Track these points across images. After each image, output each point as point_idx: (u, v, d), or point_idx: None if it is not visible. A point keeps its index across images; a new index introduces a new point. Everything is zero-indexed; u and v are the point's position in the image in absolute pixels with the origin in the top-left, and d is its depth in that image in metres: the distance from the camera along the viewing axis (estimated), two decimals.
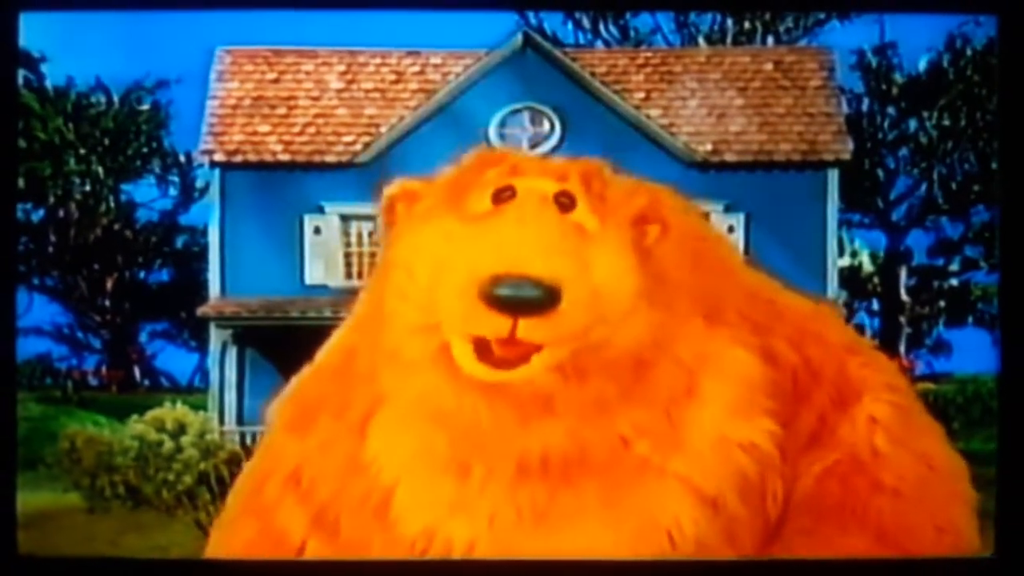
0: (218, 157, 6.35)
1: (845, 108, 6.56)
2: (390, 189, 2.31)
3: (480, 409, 2.10)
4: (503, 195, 2.14)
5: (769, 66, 6.53)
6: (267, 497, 2.37)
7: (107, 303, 6.80)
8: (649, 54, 6.65)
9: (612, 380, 2.11)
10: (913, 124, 6.78)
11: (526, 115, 6.25)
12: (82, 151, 6.53)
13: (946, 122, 6.65)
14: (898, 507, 2.21)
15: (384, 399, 2.25)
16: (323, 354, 2.47)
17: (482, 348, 2.06)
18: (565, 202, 2.14)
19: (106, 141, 6.57)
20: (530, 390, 2.08)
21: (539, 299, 1.99)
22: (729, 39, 6.80)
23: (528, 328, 2.01)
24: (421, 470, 2.20)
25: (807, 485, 2.25)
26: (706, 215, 6.27)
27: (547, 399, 2.10)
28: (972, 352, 6.34)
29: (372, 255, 6.08)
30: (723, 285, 2.32)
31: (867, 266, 7.07)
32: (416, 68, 6.52)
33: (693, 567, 2.12)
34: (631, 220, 2.17)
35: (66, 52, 5.49)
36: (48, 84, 6.21)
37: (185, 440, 5.71)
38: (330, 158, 6.37)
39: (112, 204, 6.72)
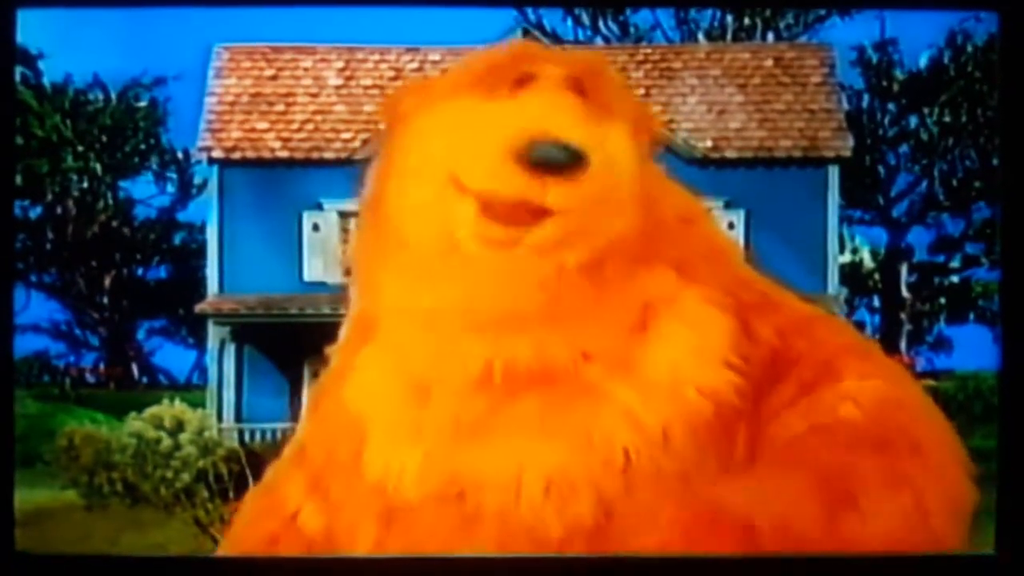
0: (216, 154, 6.34)
1: (845, 104, 6.55)
2: (398, 92, 2.43)
3: (457, 305, 2.16)
4: (523, 80, 2.24)
5: (769, 62, 6.52)
6: (277, 473, 2.47)
7: (105, 300, 6.78)
8: (648, 50, 6.63)
9: (584, 290, 2.17)
10: (914, 121, 6.77)
11: None
12: (80, 148, 6.51)
13: (947, 119, 6.64)
14: (856, 468, 2.17)
15: (370, 333, 2.29)
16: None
17: (490, 209, 2.14)
18: (577, 87, 2.25)
19: (104, 138, 6.56)
20: (514, 286, 2.14)
21: (572, 161, 2.10)
22: (729, 35, 6.78)
23: (556, 193, 2.11)
24: (386, 404, 2.24)
25: (770, 445, 2.23)
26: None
27: (523, 305, 2.15)
28: (973, 349, 6.33)
29: None
30: (706, 253, 2.37)
31: (868, 263, 7.06)
32: (415, 65, 6.51)
33: (686, 564, 2.11)
34: (631, 119, 2.30)
35: (63, 49, 5.48)
36: (45, 81, 6.19)
37: (183, 437, 5.70)
38: (329, 155, 6.36)
39: (110, 201, 6.71)
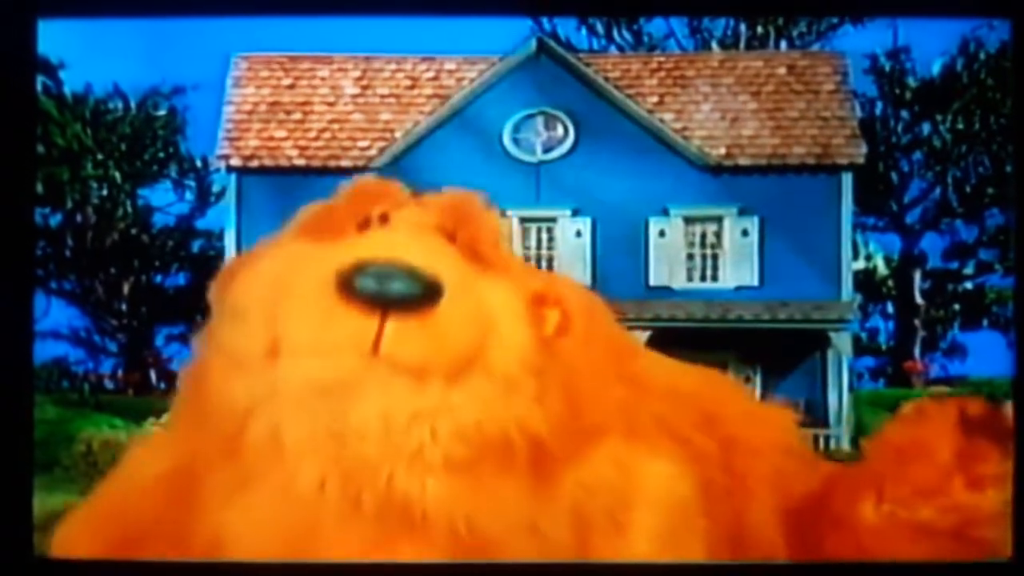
0: (234, 162, 6.37)
1: (859, 112, 6.56)
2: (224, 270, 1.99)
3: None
4: (373, 222, 1.82)
5: (782, 70, 6.53)
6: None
7: (124, 307, 6.82)
8: (662, 58, 6.66)
9: (508, 474, 1.80)
10: (927, 128, 6.78)
11: (540, 120, 6.27)
12: (99, 156, 6.56)
13: (960, 126, 6.65)
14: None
15: None
16: None
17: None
18: (446, 232, 1.84)
19: (123, 146, 6.61)
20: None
21: (412, 292, 1.59)
22: (742, 44, 6.80)
23: (398, 333, 1.61)
24: None
25: None
26: (720, 219, 6.30)
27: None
28: (987, 355, 6.33)
29: None
30: (635, 390, 2.05)
31: (882, 269, 7.07)
32: (431, 74, 6.54)
33: (694, 569, 2.12)
34: (528, 298, 1.83)
35: (84, 59, 5.53)
36: (66, 90, 6.25)
37: None
38: (345, 163, 6.39)
39: (129, 209, 6.76)
